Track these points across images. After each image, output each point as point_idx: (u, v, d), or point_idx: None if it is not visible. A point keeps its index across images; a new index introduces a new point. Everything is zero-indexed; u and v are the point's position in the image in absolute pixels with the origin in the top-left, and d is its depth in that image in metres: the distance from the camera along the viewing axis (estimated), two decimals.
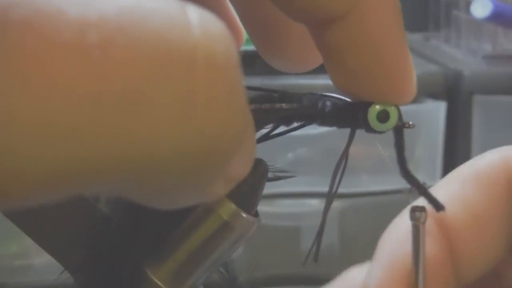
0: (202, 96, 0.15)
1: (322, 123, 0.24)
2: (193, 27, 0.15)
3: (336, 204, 1.00)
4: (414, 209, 0.26)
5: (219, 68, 0.16)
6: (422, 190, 0.25)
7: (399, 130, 0.24)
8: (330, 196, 0.24)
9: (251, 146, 0.18)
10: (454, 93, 1.03)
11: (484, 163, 0.28)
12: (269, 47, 0.28)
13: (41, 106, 0.14)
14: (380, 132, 0.24)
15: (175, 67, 0.15)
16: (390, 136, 0.25)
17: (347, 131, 0.24)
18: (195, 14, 0.16)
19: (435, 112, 1.01)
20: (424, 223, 0.25)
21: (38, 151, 0.14)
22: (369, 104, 0.23)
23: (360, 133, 0.24)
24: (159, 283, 0.23)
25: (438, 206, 0.25)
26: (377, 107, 0.23)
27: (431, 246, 0.26)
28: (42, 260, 0.95)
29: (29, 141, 0.14)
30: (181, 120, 0.15)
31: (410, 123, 0.24)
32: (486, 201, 0.27)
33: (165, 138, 0.15)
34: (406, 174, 0.25)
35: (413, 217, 0.26)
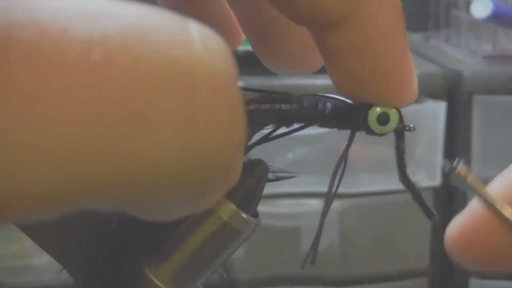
0: (204, 112, 0.15)
1: (322, 124, 0.24)
2: (194, 43, 0.15)
3: (336, 204, 1.00)
4: (453, 169, 0.22)
5: (220, 83, 0.16)
6: (418, 197, 0.25)
7: (399, 132, 0.24)
8: (328, 198, 0.24)
9: (242, 153, 0.18)
10: (454, 93, 1.03)
11: None
12: (269, 51, 0.27)
13: (43, 127, 0.14)
14: (380, 135, 0.24)
15: (177, 83, 0.15)
16: (390, 137, 0.25)
17: (347, 131, 0.24)
18: (196, 30, 0.16)
19: (435, 112, 1.01)
20: (470, 172, 0.22)
21: (40, 170, 0.14)
22: (370, 106, 0.23)
23: (360, 133, 0.24)
24: (158, 283, 0.23)
25: (430, 214, 0.25)
26: (378, 109, 0.23)
27: None
28: (41, 260, 0.95)
29: (31, 160, 0.14)
30: (183, 136, 0.15)
31: (411, 126, 0.24)
32: None
33: (167, 154, 0.15)
34: (404, 178, 0.25)
35: (456, 173, 0.22)
